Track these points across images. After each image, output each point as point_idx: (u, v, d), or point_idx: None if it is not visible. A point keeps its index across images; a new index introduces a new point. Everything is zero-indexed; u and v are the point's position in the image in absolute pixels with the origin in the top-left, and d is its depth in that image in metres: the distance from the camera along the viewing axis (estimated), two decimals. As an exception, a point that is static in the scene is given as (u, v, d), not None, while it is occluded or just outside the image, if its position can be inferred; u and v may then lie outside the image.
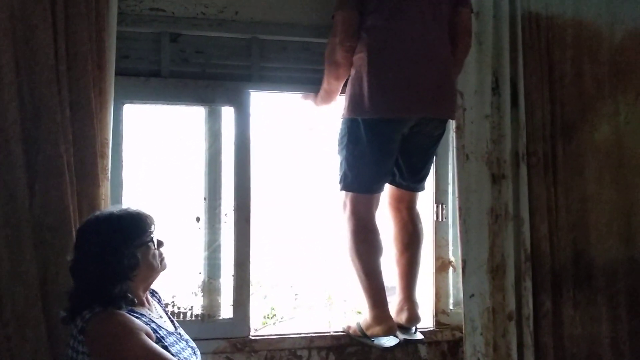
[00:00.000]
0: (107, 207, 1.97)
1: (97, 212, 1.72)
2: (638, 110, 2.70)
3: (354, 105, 2.07)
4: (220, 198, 2.33)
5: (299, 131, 2.65)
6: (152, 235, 1.65)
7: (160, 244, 1.69)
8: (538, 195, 2.49)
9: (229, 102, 2.33)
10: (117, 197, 2.16)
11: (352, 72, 2.11)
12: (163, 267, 1.71)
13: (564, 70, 2.59)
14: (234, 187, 2.32)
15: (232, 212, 2.32)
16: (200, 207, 2.32)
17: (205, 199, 2.32)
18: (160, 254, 1.69)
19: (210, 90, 2.30)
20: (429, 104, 2.08)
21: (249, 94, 2.35)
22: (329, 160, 2.63)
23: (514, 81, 2.50)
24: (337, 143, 2.20)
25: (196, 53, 2.32)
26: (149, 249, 1.64)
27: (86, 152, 1.98)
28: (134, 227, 1.62)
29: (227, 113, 2.36)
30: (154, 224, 1.68)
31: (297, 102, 2.46)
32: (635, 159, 2.68)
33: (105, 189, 2.04)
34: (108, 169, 2.05)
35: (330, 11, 2.26)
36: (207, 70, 2.33)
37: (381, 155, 2.11)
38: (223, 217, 2.33)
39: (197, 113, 2.36)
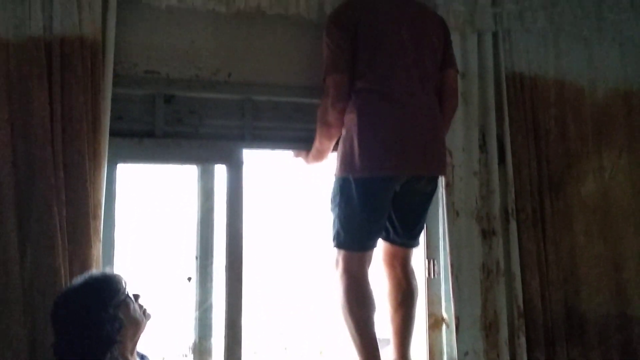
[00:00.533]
0: (93, 270, 1.94)
1: (63, 289, 1.70)
2: (622, 166, 2.77)
3: (345, 164, 2.11)
4: (212, 256, 2.32)
5: (292, 186, 2.67)
6: (126, 291, 1.64)
7: (137, 297, 1.69)
8: (528, 250, 2.51)
9: (222, 161, 2.36)
10: (108, 257, 2.14)
11: (343, 132, 2.15)
12: (147, 318, 1.69)
13: (548, 128, 2.66)
14: (226, 246, 2.31)
15: (224, 271, 2.31)
16: (191, 266, 2.31)
17: (197, 257, 2.31)
18: (141, 306, 1.68)
19: (203, 150, 2.33)
20: (419, 162, 2.11)
21: (242, 152, 2.38)
22: (322, 216, 2.66)
23: (500, 139, 2.56)
24: (329, 201, 2.22)
25: (190, 113, 2.36)
26: (128, 305, 1.63)
27: (79, 214, 1.97)
28: (106, 289, 1.62)
29: (220, 170, 2.38)
30: (124, 280, 1.67)
31: (289, 159, 2.49)
32: (621, 214, 2.73)
33: (97, 250, 2.03)
34: (100, 230, 2.04)
35: (320, 73, 2.34)
36: (200, 130, 2.37)
37: (373, 213, 2.12)
38: (215, 276, 2.32)
39: (190, 171, 2.38)
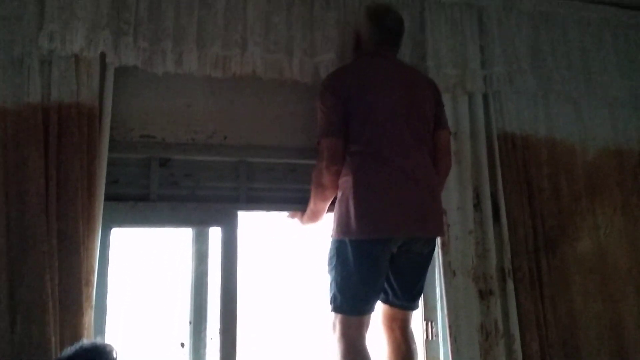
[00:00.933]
0: (83, 340, 1.90)
1: None
2: (616, 224, 2.78)
3: (341, 226, 2.10)
4: (205, 321, 2.28)
5: (288, 247, 2.66)
6: None
7: None
8: (527, 311, 2.48)
9: (217, 223, 2.35)
10: (100, 324, 2.11)
11: (339, 194, 2.15)
12: None
13: (542, 186, 2.68)
14: (220, 310, 2.28)
15: (218, 336, 2.26)
16: (185, 332, 2.27)
17: (190, 322, 2.28)
18: None
19: (198, 212, 2.33)
20: (415, 223, 2.10)
21: (237, 214, 2.38)
22: (319, 278, 2.63)
23: (494, 197, 2.57)
24: (326, 263, 2.20)
25: (185, 176, 2.37)
26: None
27: (71, 281, 1.95)
28: None
29: (215, 233, 2.37)
30: (115, 351, 1.63)
31: (284, 220, 2.49)
32: (618, 272, 2.72)
33: (89, 317, 2.00)
34: (92, 297, 2.01)
35: (314, 135, 2.37)
36: (195, 192, 2.38)
37: (370, 276, 2.10)
38: (208, 342, 2.27)
39: (184, 234, 2.37)
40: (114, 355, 1.62)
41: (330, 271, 2.17)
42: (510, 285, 2.49)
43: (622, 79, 2.88)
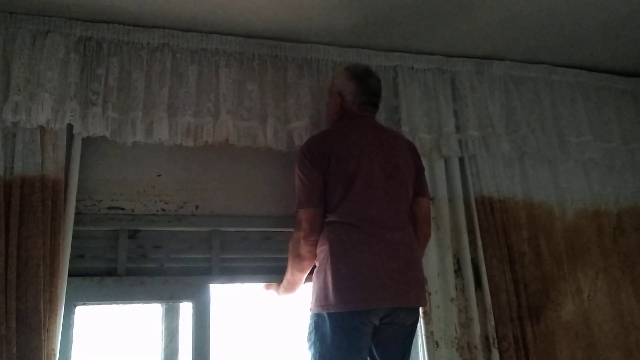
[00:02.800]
0: None
1: None
2: (600, 287, 2.73)
3: (319, 299, 2.00)
4: (176, 405, 2.15)
5: (264, 320, 2.55)
6: None
7: None
8: (515, 382, 2.39)
9: (188, 298, 2.25)
10: (61, 413, 1.96)
11: (316, 264, 2.07)
12: None
13: (522, 250, 2.63)
14: (192, 392, 2.15)
15: (190, 421, 2.12)
16: (154, 417, 2.13)
17: (160, 406, 2.14)
18: None
19: (168, 287, 2.23)
20: (396, 293, 2.00)
21: (209, 288, 2.28)
22: (297, 353, 2.51)
23: (475, 263, 2.52)
24: (305, 339, 2.09)
25: (155, 248, 2.28)
26: None
27: (30, 367, 1.82)
28: None
29: (186, 308, 2.26)
30: None
31: (260, 291, 2.39)
32: (604, 338, 2.65)
33: (49, 405, 1.86)
34: (53, 383, 1.88)
35: (290, 202, 2.31)
36: (165, 265, 2.28)
37: (352, 352, 1.98)
38: None
39: (153, 310, 2.25)
40: None
41: (309, 347, 2.05)
42: (495, 355, 2.39)
43: (596, 140, 2.89)
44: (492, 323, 2.44)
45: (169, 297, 2.23)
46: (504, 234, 2.61)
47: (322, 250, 2.03)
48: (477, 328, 2.41)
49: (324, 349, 1.97)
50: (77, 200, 2.10)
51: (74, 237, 2.06)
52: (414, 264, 2.09)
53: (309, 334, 2.04)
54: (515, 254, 2.60)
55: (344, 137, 2.14)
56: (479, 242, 2.54)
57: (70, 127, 2.11)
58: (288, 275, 2.21)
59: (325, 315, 1.97)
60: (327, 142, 2.13)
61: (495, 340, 2.42)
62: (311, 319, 2.04)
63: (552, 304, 2.61)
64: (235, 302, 2.47)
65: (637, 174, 3.00)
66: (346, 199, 2.04)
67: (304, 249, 2.09)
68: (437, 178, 2.59)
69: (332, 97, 2.29)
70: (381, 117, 2.55)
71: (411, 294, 2.06)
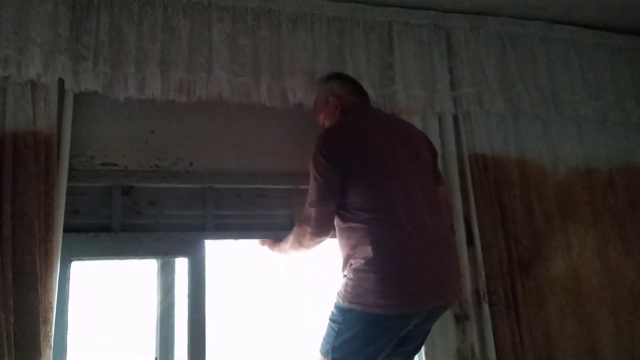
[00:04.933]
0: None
1: None
2: (589, 243, 2.77)
3: (360, 297, 1.85)
4: (172, 357, 2.19)
5: (258, 276, 2.58)
6: None
7: None
8: (503, 335, 2.44)
9: (183, 254, 2.27)
10: (59, 364, 1.99)
11: (352, 262, 1.91)
12: None
13: (514, 207, 2.66)
14: (188, 344, 2.18)
15: (186, 372, 2.17)
16: (151, 368, 2.17)
17: (156, 358, 2.18)
18: None
19: (163, 243, 2.24)
20: (441, 293, 1.94)
21: (204, 243, 2.30)
22: (289, 308, 2.56)
23: (467, 220, 2.54)
24: (331, 316, 1.96)
25: (149, 205, 2.29)
26: None
27: (28, 320, 1.84)
28: None
29: (181, 264, 2.28)
30: None
31: (255, 247, 2.41)
32: (592, 293, 2.71)
33: (48, 357, 1.88)
34: (51, 335, 1.91)
35: (284, 159, 2.33)
36: (160, 221, 2.29)
37: (374, 348, 1.89)
38: (176, 378, 2.17)
39: (149, 265, 2.27)
40: None
41: (334, 326, 1.93)
42: (485, 308, 2.45)
43: (590, 98, 2.89)
44: (483, 278, 2.48)
45: (164, 253, 2.24)
46: (497, 192, 2.63)
47: (364, 250, 1.88)
48: (468, 283, 2.45)
49: (344, 340, 1.90)
50: (71, 156, 2.09)
51: (68, 194, 2.05)
52: (453, 256, 2.04)
53: (334, 319, 1.94)
54: (507, 211, 2.62)
55: (359, 128, 2.04)
56: (472, 200, 2.56)
57: (61, 82, 2.08)
58: (286, 247, 2.18)
59: (364, 313, 1.86)
60: (342, 135, 2.01)
61: (486, 295, 2.46)
62: (342, 310, 1.92)
63: (542, 259, 2.65)
64: (230, 257, 2.49)
65: (630, 132, 3.01)
66: (376, 192, 1.93)
67: (309, 243, 2.06)
68: (430, 136, 2.56)
69: (326, 105, 2.21)
70: (375, 73, 2.54)
71: (454, 290, 2.03)
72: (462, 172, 2.59)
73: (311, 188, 2.01)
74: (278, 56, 2.40)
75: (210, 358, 2.19)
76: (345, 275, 1.95)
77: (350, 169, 1.93)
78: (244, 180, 2.42)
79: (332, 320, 1.94)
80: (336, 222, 2.01)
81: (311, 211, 1.99)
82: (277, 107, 2.37)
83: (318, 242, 2.04)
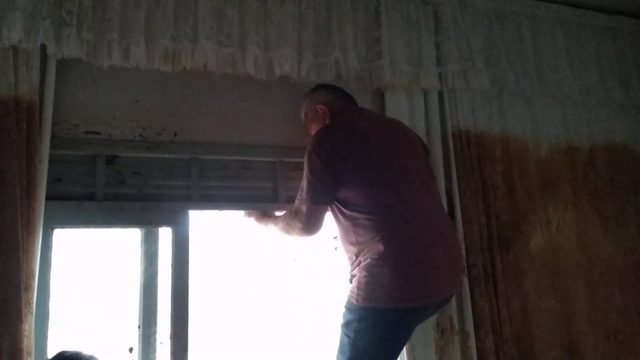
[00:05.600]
0: (32, 349, 1.79)
1: None
2: (568, 220, 2.83)
3: (373, 292, 1.85)
4: (155, 325, 2.20)
5: (242, 247, 2.59)
6: None
7: None
8: (481, 307, 2.49)
9: (167, 223, 2.27)
10: (42, 330, 1.99)
11: (362, 259, 1.90)
12: None
13: (496, 184, 2.69)
14: (170, 313, 2.20)
15: (169, 341, 2.18)
16: (133, 336, 2.18)
17: (139, 327, 2.19)
18: None
19: (147, 212, 2.24)
20: (452, 282, 1.98)
21: (188, 214, 2.30)
22: (272, 278, 2.58)
23: (449, 195, 2.58)
24: (342, 324, 1.94)
25: (133, 174, 2.27)
26: None
27: (9, 287, 1.83)
28: None
29: (165, 234, 2.28)
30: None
31: (240, 218, 2.42)
32: (569, 268, 2.77)
33: (29, 324, 1.88)
34: (33, 302, 1.90)
35: (269, 132, 2.32)
36: (144, 191, 2.28)
37: (398, 345, 1.93)
38: (158, 346, 2.19)
39: (132, 235, 2.27)
40: None
41: (349, 332, 1.90)
42: (465, 282, 2.49)
43: (574, 77, 2.92)
44: (463, 252, 2.52)
45: (148, 223, 2.24)
46: (479, 168, 2.67)
47: (373, 246, 1.88)
48: (448, 257, 2.49)
49: (362, 344, 1.87)
50: (53, 124, 2.06)
51: (50, 161, 2.03)
52: (458, 248, 2.11)
53: (348, 323, 1.91)
54: (489, 186, 2.66)
55: (353, 126, 2.04)
56: (454, 175, 2.59)
57: (44, 48, 2.04)
58: (274, 229, 2.24)
59: (380, 310, 1.86)
60: (337, 135, 2.00)
61: (465, 269, 2.51)
62: (357, 310, 1.90)
63: (522, 235, 2.71)
64: (214, 229, 2.50)
65: (612, 111, 3.06)
66: (380, 186, 1.94)
67: (297, 236, 2.12)
68: (415, 111, 2.61)
69: (316, 115, 2.24)
70: (362, 47, 2.53)
71: (459, 279, 2.10)
72: (445, 148, 2.62)
73: (303, 184, 2.02)
74: (265, 27, 2.38)
75: (192, 328, 2.21)
76: (354, 275, 1.93)
77: (348, 167, 1.93)
78: (229, 151, 2.42)
79: (345, 325, 1.91)
80: (339, 221, 2.02)
81: (302, 208, 2.01)
82: (263, 79, 2.36)
83: (306, 238, 2.08)
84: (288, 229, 2.13)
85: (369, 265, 1.87)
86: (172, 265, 2.24)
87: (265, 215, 2.36)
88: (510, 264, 2.64)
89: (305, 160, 2.03)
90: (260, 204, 2.43)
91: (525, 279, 2.66)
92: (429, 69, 2.60)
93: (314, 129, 2.25)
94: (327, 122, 2.18)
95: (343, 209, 1.98)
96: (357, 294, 1.88)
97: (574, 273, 2.78)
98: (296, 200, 2.07)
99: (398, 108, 2.59)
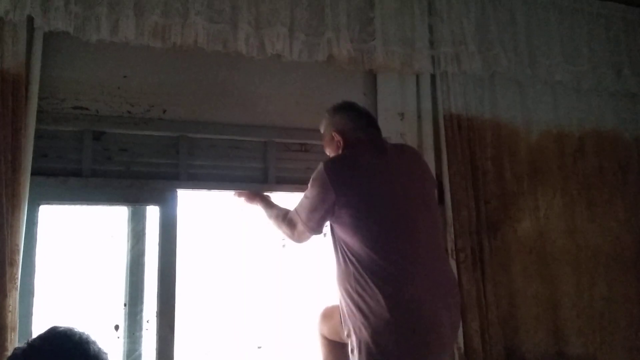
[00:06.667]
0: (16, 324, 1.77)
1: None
2: (556, 206, 2.84)
3: (373, 350, 1.78)
4: (142, 303, 2.20)
5: (230, 227, 2.58)
6: None
7: None
8: (468, 291, 2.50)
9: (154, 202, 2.25)
10: (27, 307, 1.98)
11: (364, 322, 1.80)
12: None
13: (485, 168, 2.69)
14: (157, 292, 2.19)
15: (155, 319, 2.17)
16: (119, 314, 2.17)
17: (125, 304, 2.18)
18: None
19: (134, 190, 2.21)
20: (452, 343, 2.02)
21: (176, 192, 2.28)
22: (259, 259, 2.58)
23: (439, 179, 2.57)
24: None
25: (120, 151, 2.25)
26: None
27: (-7, 260, 1.82)
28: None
29: (152, 212, 2.26)
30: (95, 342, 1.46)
31: (230, 198, 2.40)
32: (556, 254, 2.79)
33: (14, 299, 1.87)
34: (17, 277, 1.89)
35: (259, 112, 2.31)
36: (131, 168, 2.25)
37: None
38: (145, 324, 2.18)
39: (119, 213, 2.25)
40: (95, 347, 1.36)
41: None
42: (452, 265, 2.49)
43: (566, 63, 2.91)
44: (452, 236, 2.53)
45: (135, 200, 2.22)
46: (469, 152, 2.66)
47: (377, 311, 1.78)
48: (437, 240, 2.50)
49: None
50: (40, 98, 2.03)
51: (37, 136, 2.01)
52: (458, 308, 2.01)
53: None
54: (479, 171, 2.66)
55: (363, 167, 1.93)
56: (444, 159, 2.59)
57: (31, 20, 2.00)
58: (266, 216, 2.22)
59: None
60: (345, 173, 1.91)
61: (454, 252, 2.52)
62: None
63: (510, 220, 2.71)
64: (203, 208, 2.48)
65: (602, 98, 3.06)
66: (384, 237, 1.84)
67: (287, 238, 2.11)
68: (407, 94, 2.61)
69: (331, 142, 2.08)
70: (355, 27, 2.51)
71: (455, 339, 2.09)
72: (436, 132, 2.62)
73: (303, 202, 1.97)
74: (256, 5, 2.35)
75: (179, 307, 2.20)
76: (354, 332, 1.84)
77: (352, 208, 1.85)
78: (219, 130, 2.40)
79: None
80: (339, 261, 1.92)
81: (297, 224, 1.99)
82: (254, 57, 2.33)
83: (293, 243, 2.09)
84: (281, 228, 2.10)
85: (374, 332, 1.78)
86: (159, 244, 2.23)
87: (257, 195, 2.33)
88: (498, 248, 2.65)
89: (310, 181, 1.95)
90: (250, 184, 2.42)
91: (512, 264, 2.67)
92: (422, 52, 2.57)
93: (328, 151, 2.15)
94: (339, 152, 2.05)
95: (346, 251, 1.88)
96: (356, 348, 1.82)
97: (560, 259, 2.79)
98: (293, 210, 2.02)
99: (390, 90, 2.58)
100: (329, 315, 2.13)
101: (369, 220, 1.85)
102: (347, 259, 1.87)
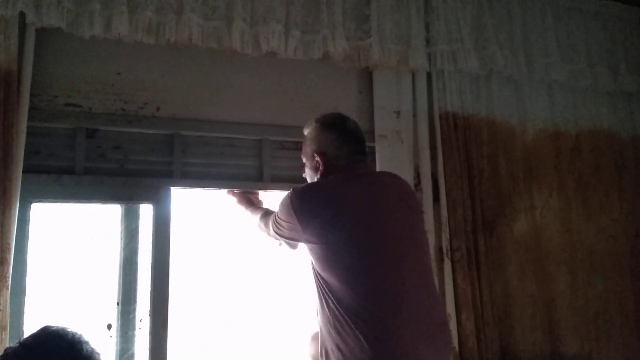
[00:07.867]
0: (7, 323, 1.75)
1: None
2: (552, 205, 2.83)
3: None
4: (135, 302, 2.18)
5: (224, 225, 2.57)
6: None
7: None
8: (463, 290, 2.50)
9: (148, 200, 2.23)
10: (18, 306, 1.95)
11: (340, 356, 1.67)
12: None
13: (481, 167, 2.69)
14: (150, 290, 2.17)
15: (148, 318, 2.16)
16: (112, 313, 2.15)
17: (118, 303, 2.16)
18: None
19: (127, 188, 2.20)
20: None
21: (170, 190, 2.26)
22: (252, 257, 2.56)
23: (435, 177, 2.56)
24: None
25: (114, 149, 2.23)
26: None
27: (-17, 259, 1.80)
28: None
29: (146, 210, 2.25)
30: (88, 342, 1.44)
31: (222, 196, 2.39)
32: (552, 253, 2.78)
33: (5, 298, 1.85)
34: (9, 277, 1.86)
35: (254, 110, 2.29)
36: (125, 166, 2.24)
37: None
38: (138, 324, 2.16)
39: (112, 211, 2.23)
40: (88, 347, 1.33)
41: None
42: (447, 265, 2.50)
43: (563, 62, 2.90)
44: (447, 235, 2.52)
45: (128, 198, 2.20)
46: (465, 150, 2.65)
47: (351, 342, 1.64)
48: (432, 239, 2.48)
49: None
50: (32, 95, 2.01)
51: (29, 133, 1.98)
52: (448, 342, 1.92)
53: None
54: (475, 170, 2.65)
55: (339, 196, 1.78)
56: (440, 157, 2.58)
57: (23, 15, 1.98)
58: (250, 216, 2.21)
59: None
60: (315, 204, 1.78)
61: (449, 251, 2.51)
62: None
63: (506, 219, 2.71)
64: (197, 206, 2.47)
65: (599, 97, 3.05)
66: (367, 273, 1.69)
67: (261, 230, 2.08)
68: (402, 92, 2.59)
69: (311, 160, 1.94)
70: (351, 25, 2.49)
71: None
72: (432, 130, 2.60)
73: (275, 216, 1.89)
74: (251, 1, 2.33)
75: (172, 306, 2.18)
76: None
77: (324, 243, 1.72)
78: (213, 128, 2.38)
79: None
80: (318, 294, 1.77)
81: (270, 227, 1.93)
82: (248, 54, 2.31)
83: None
84: (262, 228, 2.07)
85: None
86: (152, 242, 2.21)
87: (246, 199, 2.32)
88: (493, 247, 2.64)
89: (281, 203, 1.84)
90: (245, 182, 2.40)
91: (507, 263, 2.67)
92: (418, 49, 2.56)
93: (304, 171, 2.03)
94: (316, 175, 1.93)
95: (324, 287, 1.73)
96: None
97: (556, 258, 2.78)
98: (272, 216, 1.93)
99: (386, 88, 2.57)
100: (317, 338, 1.94)
101: (346, 255, 1.70)
102: (325, 295, 1.72)
